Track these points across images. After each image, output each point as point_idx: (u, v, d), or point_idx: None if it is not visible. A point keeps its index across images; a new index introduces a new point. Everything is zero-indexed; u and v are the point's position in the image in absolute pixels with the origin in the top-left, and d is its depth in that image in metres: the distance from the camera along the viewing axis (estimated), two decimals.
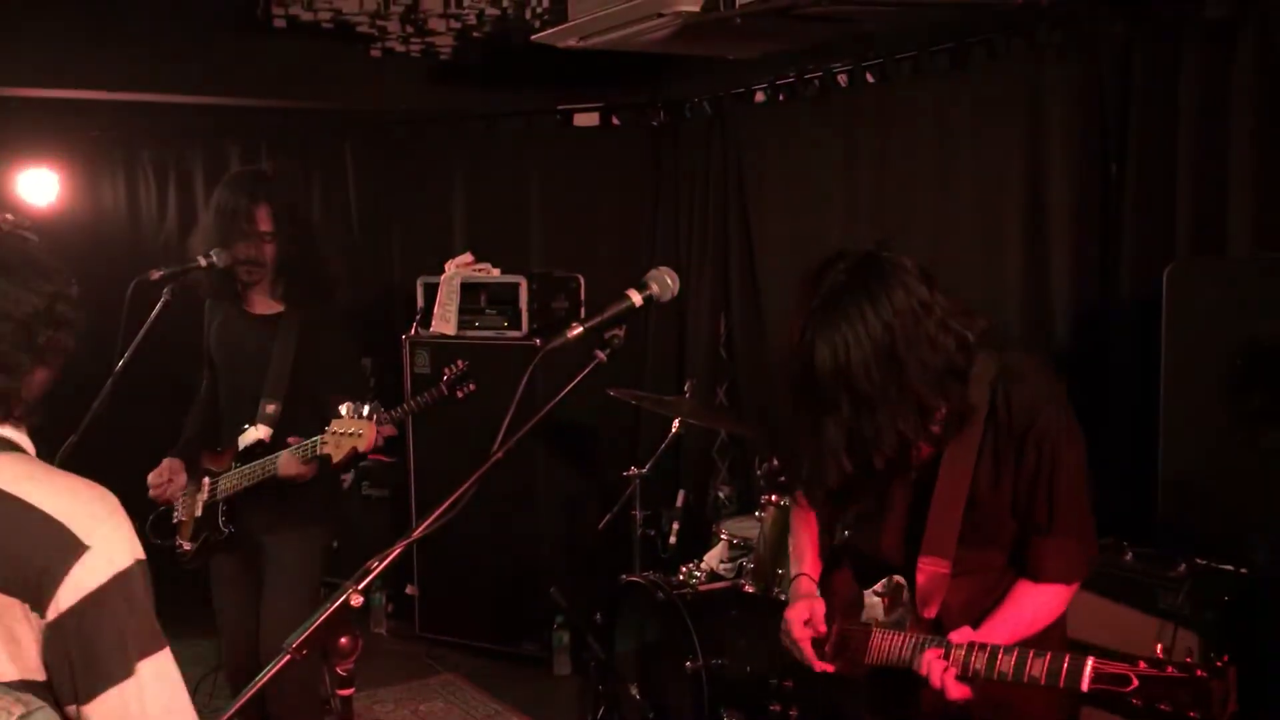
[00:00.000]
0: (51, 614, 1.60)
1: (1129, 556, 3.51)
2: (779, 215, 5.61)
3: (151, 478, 3.71)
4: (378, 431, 3.34)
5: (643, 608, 4.46)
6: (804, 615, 2.50)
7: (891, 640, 2.33)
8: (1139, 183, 4.08)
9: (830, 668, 2.46)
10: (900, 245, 5.21)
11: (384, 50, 5.40)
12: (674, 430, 4.86)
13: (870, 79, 5.13)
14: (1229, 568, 3.26)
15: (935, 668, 2.17)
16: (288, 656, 1.73)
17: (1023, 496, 2.28)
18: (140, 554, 1.69)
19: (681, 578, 4.48)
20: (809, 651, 2.47)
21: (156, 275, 3.66)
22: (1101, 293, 4.25)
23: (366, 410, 3.32)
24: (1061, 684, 2.00)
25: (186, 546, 3.74)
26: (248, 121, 6.63)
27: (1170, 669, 1.89)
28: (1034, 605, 2.32)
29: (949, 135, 4.80)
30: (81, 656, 1.61)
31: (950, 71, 4.77)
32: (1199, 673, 1.87)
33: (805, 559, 2.66)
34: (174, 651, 1.72)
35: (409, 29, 5.09)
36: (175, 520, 3.76)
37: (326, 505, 3.77)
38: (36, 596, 1.60)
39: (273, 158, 6.63)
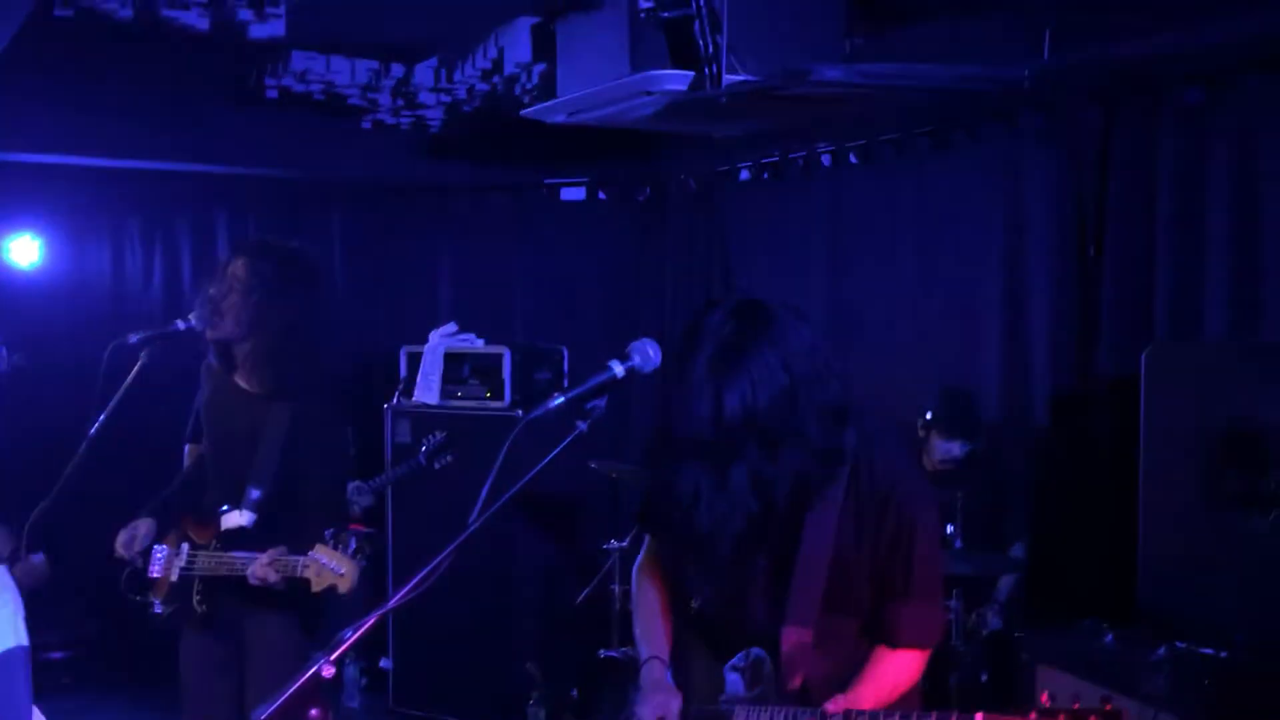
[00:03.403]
0: None
1: (1109, 639, 3.49)
2: (762, 291, 5.57)
3: (122, 537, 3.66)
4: (358, 568, 3.33)
5: (621, 683, 4.40)
6: (658, 712, 2.37)
7: (758, 717, 2.25)
8: (1117, 265, 4.13)
9: None
10: (882, 323, 5.28)
11: (374, 123, 5.46)
12: None
13: (853, 159, 5.20)
14: (1210, 651, 3.25)
15: None
16: None
17: (881, 561, 2.27)
18: (24, 639, 1.63)
19: None
20: None
21: (134, 339, 3.64)
22: (1080, 374, 4.28)
23: (353, 547, 3.32)
24: None
25: (159, 608, 3.68)
26: (237, 190, 6.66)
27: (1061, 716, 1.87)
28: (894, 671, 2.29)
29: (930, 216, 4.86)
30: None
31: (931, 153, 4.85)
32: (1091, 718, 1.85)
33: (655, 638, 2.53)
34: None
35: (399, 102, 5.15)
36: (150, 576, 3.70)
37: (306, 588, 3.71)
38: None
39: (261, 227, 6.65)
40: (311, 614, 3.58)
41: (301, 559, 3.33)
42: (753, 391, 2.08)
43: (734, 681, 2.36)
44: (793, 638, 2.26)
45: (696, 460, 2.15)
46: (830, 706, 2.15)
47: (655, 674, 2.46)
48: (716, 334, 2.15)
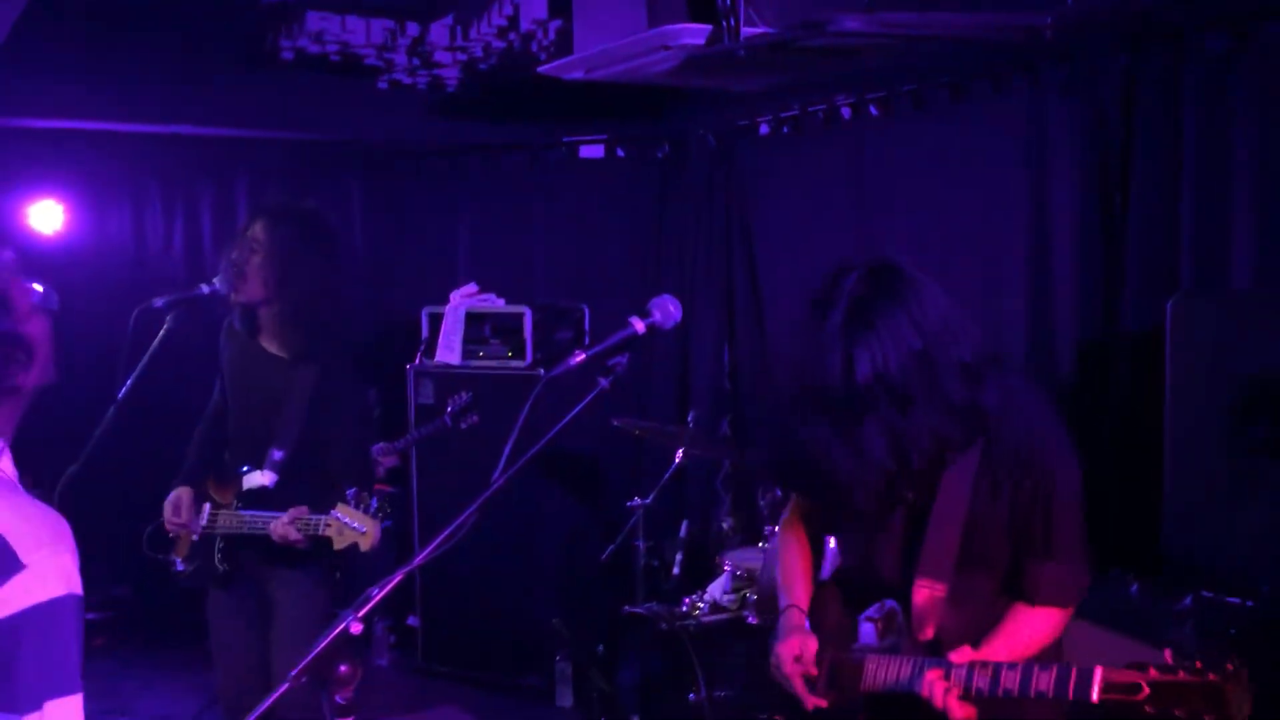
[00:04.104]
0: None
1: (1134, 589, 3.49)
2: (783, 246, 5.62)
3: (169, 514, 3.69)
4: (379, 526, 3.36)
5: (645, 639, 4.43)
6: (794, 651, 2.46)
7: (888, 665, 2.30)
8: (1142, 215, 4.09)
9: (824, 702, 2.42)
10: None
11: (391, 83, 5.43)
12: (677, 460, 4.85)
13: (874, 112, 5.15)
14: (1235, 600, 3.25)
15: (936, 688, 2.15)
16: (287, 685, 1.73)
17: (1020, 520, 2.28)
18: (76, 588, 1.65)
19: (685, 609, 4.46)
20: (800, 687, 2.44)
21: (159, 303, 3.66)
22: (1105, 324, 4.25)
23: (374, 506, 3.34)
24: (1070, 695, 1.99)
25: (180, 566, 3.73)
26: (255, 153, 6.66)
27: (1182, 673, 1.88)
28: (1031, 629, 2.31)
29: (952, 167, 4.82)
30: None
31: (953, 104, 4.80)
32: (1211, 676, 1.86)
33: (795, 589, 2.63)
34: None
35: (415, 61, 5.12)
36: (172, 535, 3.75)
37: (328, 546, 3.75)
38: None
39: (280, 189, 6.66)
40: (334, 572, 3.63)
41: (323, 518, 3.36)
42: (883, 352, 2.11)
43: (867, 632, 2.41)
44: (925, 592, 2.30)
45: (825, 416, 2.17)
46: (955, 657, 2.18)
47: (794, 620, 2.55)
48: (849, 294, 2.17)
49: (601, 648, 4.65)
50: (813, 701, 2.43)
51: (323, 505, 3.39)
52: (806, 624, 2.54)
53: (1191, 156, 3.92)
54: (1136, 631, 3.36)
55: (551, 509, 5.68)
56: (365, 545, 3.33)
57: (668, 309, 2.33)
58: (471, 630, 5.77)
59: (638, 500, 4.92)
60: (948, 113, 4.82)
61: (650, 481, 5.18)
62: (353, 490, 3.37)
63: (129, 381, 3.65)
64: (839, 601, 2.54)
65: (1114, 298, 4.20)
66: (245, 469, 3.63)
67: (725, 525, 5.39)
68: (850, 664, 2.39)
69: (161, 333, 3.66)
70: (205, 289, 3.65)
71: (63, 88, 5.27)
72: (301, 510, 3.42)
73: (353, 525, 3.32)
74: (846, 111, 5.27)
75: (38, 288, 1.85)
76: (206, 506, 3.68)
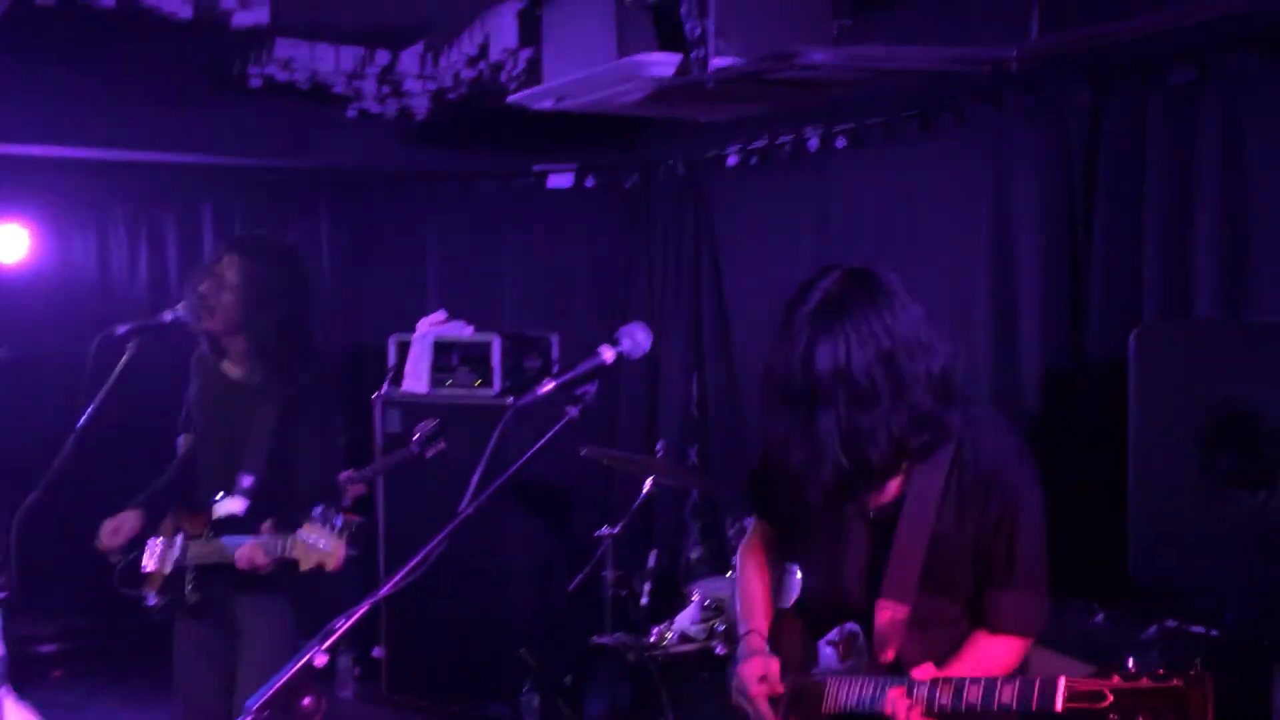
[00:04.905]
0: None
1: (1099, 618, 3.51)
2: (751, 276, 5.64)
3: (107, 527, 3.65)
4: (344, 545, 3.32)
5: (613, 670, 4.42)
6: (759, 672, 2.44)
7: (849, 686, 2.29)
8: (1106, 246, 4.13)
9: None
10: None
11: (360, 111, 5.43)
12: (646, 490, 4.84)
13: (841, 143, 5.19)
14: (1200, 629, 3.26)
15: (900, 706, 2.14)
16: (249, 718, 1.70)
17: (983, 545, 2.28)
18: None
19: (653, 639, 4.44)
20: (765, 710, 2.42)
21: (121, 330, 3.63)
22: (1070, 354, 4.28)
23: (339, 525, 3.30)
24: (1034, 706, 1.98)
25: (152, 600, 3.68)
26: (223, 180, 6.63)
27: (1145, 680, 1.87)
28: (991, 657, 2.30)
29: (918, 199, 4.85)
30: None
31: (920, 136, 4.84)
32: (1175, 682, 1.85)
33: (755, 613, 2.61)
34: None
35: (385, 89, 5.13)
36: (144, 570, 3.70)
37: (295, 569, 3.71)
38: None
39: (247, 217, 6.62)
40: (303, 596, 3.58)
41: (288, 539, 3.32)
42: (846, 347, 2.12)
43: (828, 655, 2.40)
44: (887, 613, 2.29)
45: (785, 405, 2.18)
46: (917, 674, 2.17)
47: (754, 644, 2.53)
48: (824, 290, 2.19)
49: (569, 678, 4.63)
50: None
51: (291, 529, 3.35)
52: (766, 648, 2.52)
53: (1155, 186, 3.96)
54: (1103, 660, 3.35)
55: (519, 538, 5.65)
56: (331, 565, 3.28)
57: (637, 338, 2.33)
58: (437, 661, 5.71)
59: (606, 530, 4.91)
60: (913, 144, 4.86)
61: (619, 511, 5.17)
62: (319, 508, 3.32)
63: (90, 409, 3.61)
64: (799, 628, 2.53)
65: (1078, 327, 4.24)
66: (218, 497, 3.59)
67: (694, 555, 5.38)
68: (811, 686, 2.38)
69: (123, 360, 3.63)
70: (168, 316, 3.62)
71: (28, 113, 5.23)
72: (268, 527, 3.39)
73: (318, 544, 3.27)
74: (814, 143, 5.30)
75: None
76: (179, 538, 3.63)
